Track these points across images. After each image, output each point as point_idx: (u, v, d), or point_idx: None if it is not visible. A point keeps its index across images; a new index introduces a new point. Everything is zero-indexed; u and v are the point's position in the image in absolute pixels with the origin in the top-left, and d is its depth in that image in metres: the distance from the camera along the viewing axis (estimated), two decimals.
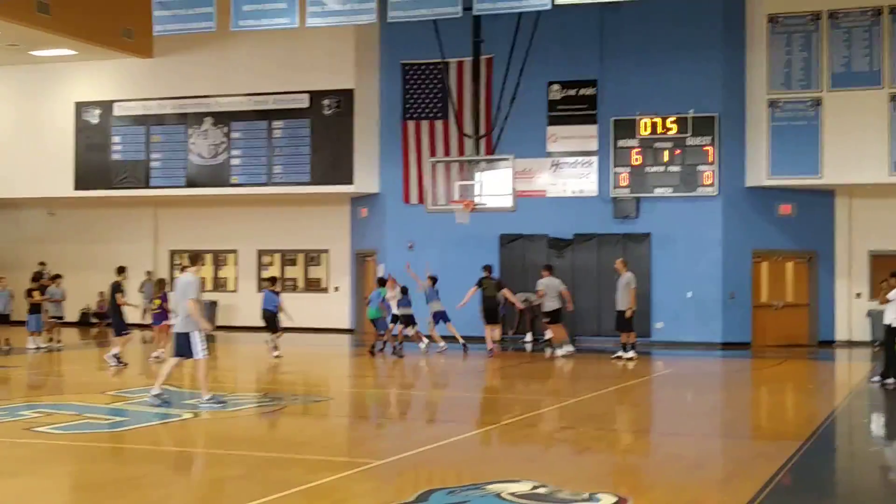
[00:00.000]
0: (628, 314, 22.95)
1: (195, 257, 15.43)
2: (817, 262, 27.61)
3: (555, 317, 24.02)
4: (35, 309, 24.35)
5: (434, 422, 14.70)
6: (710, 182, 26.59)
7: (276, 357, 22.50)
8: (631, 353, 22.85)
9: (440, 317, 24.56)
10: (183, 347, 14.63)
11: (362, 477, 9.97)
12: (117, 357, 20.54)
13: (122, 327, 21.11)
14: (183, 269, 15.70)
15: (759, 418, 15.94)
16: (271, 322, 23.19)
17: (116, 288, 21.44)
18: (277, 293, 23.55)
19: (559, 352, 23.62)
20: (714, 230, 26.83)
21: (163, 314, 21.76)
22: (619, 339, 23.40)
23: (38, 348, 24.03)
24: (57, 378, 20.23)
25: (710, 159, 26.60)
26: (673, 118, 26.77)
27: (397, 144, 28.98)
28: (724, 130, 26.62)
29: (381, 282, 24.36)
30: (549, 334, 24.58)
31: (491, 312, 24.51)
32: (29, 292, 24.60)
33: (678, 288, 26.86)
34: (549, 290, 23.94)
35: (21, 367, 21.20)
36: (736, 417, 15.51)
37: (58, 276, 26.48)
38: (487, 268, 24.92)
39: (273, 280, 24.33)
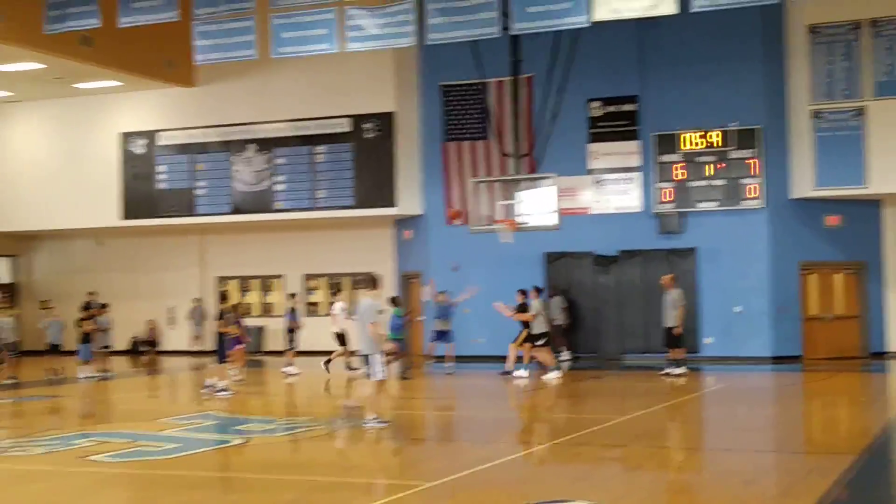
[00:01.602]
0: (677, 331, 22.81)
1: (374, 280, 15.62)
2: (866, 272, 27.31)
3: (541, 339, 22.94)
4: (86, 338, 24.62)
5: (483, 442, 14.68)
6: (754, 195, 26.41)
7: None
8: (681, 370, 22.69)
9: (442, 336, 24.75)
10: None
11: (413, 499, 9.97)
12: (221, 388, 20.07)
13: (224, 355, 20.81)
14: (349, 292, 16.12)
15: (813, 432, 15.77)
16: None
17: (221, 316, 21.25)
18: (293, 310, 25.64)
19: (549, 376, 22.43)
20: (760, 243, 26.63)
21: (237, 339, 21.98)
22: (666, 355, 23.24)
23: (89, 377, 24.25)
24: (109, 406, 20.40)
25: (754, 172, 26.42)
26: (715, 132, 26.64)
27: (439, 166, 29.05)
28: (768, 142, 26.45)
29: (395, 301, 24.31)
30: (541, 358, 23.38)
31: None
32: (80, 322, 24.89)
33: (726, 302, 26.66)
34: (537, 312, 23.18)
35: (73, 397, 21.40)
36: (789, 432, 15.37)
37: (105, 305, 26.74)
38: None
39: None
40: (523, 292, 23.53)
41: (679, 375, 22.42)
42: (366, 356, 15.17)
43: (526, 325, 23.07)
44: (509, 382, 22.11)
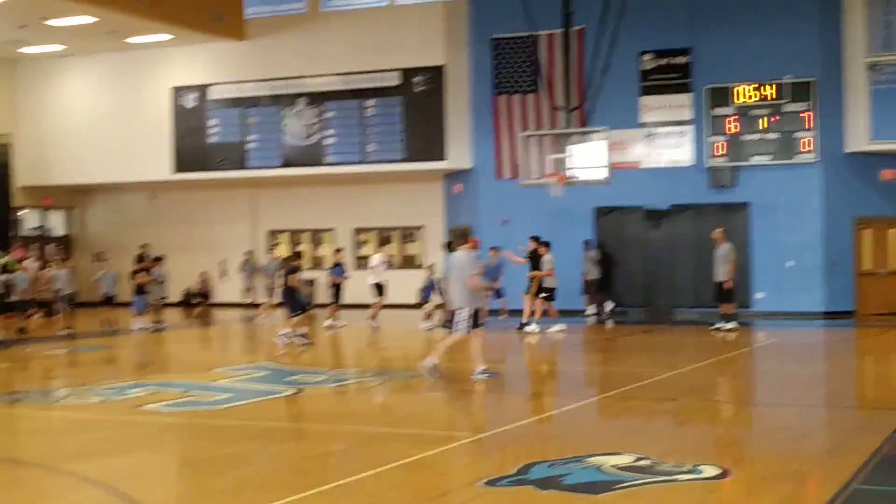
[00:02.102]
0: (728, 285, 22.67)
1: (466, 234, 15.30)
2: None
3: (545, 293, 22.94)
4: (140, 290, 24.92)
5: (533, 395, 14.72)
6: (808, 149, 26.09)
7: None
8: (731, 325, 22.57)
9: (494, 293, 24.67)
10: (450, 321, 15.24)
11: (464, 450, 10.04)
12: (301, 335, 20.40)
13: (297, 306, 20.70)
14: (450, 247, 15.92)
15: (865, 388, 15.65)
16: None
17: (292, 270, 21.20)
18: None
19: (554, 328, 22.65)
20: (814, 198, 26.34)
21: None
22: (717, 310, 23.13)
23: (142, 329, 24.56)
24: (162, 357, 20.67)
25: (809, 125, 26.08)
26: (769, 85, 26.29)
27: (489, 119, 28.94)
28: (823, 95, 26.07)
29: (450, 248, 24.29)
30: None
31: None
32: (134, 274, 25.18)
33: (778, 258, 26.45)
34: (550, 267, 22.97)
35: (127, 347, 21.71)
36: (840, 387, 15.27)
37: (160, 258, 27.03)
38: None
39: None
40: (536, 239, 23.19)
41: (730, 330, 22.30)
42: (453, 310, 14.95)
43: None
44: (544, 336, 22.02)
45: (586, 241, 27.31)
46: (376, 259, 25.69)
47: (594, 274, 27.23)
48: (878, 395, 14.60)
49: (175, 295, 31.73)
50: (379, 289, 25.08)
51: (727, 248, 22.86)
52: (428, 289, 24.20)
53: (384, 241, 32.57)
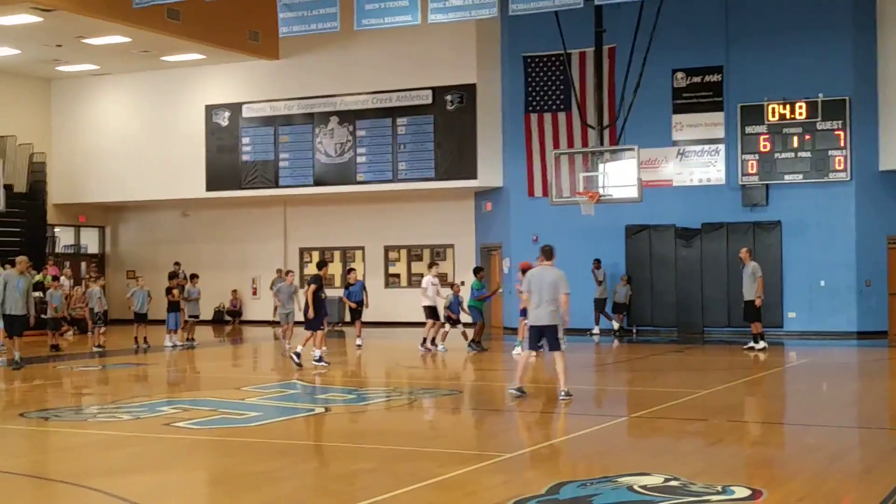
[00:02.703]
0: (758, 303, 22.52)
1: (552, 251, 15.04)
2: None
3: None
4: (174, 307, 25.05)
5: (564, 414, 14.65)
6: (841, 167, 25.92)
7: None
8: (762, 344, 22.40)
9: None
10: (550, 340, 14.68)
11: (492, 470, 10.00)
12: (319, 357, 19.77)
13: (316, 324, 19.79)
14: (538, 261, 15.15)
15: None
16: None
17: (315, 281, 20.00)
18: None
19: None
20: (847, 216, 26.15)
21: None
22: (749, 329, 22.94)
23: (174, 346, 24.66)
24: (193, 375, 20.73)
25: (842, 144, 25.92)
26: (802, 103, 26.17)
27: (521, 138, 28.95)
28: (856, 113, 25.91)
29: (477, 272, 24.28)
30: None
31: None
32: (168, 291, 25.32)
33: (811, 277, 26.27)
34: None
35: (159, 365, 21.79)
36: (874, 408, 15.10)
37: (195, 276, 27.13)
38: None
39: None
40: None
41: (762, 350, 22.13)
42: (553, 327, 14.52)
43: None
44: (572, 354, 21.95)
45: (595, 260, 27.37)
46: (426, 281, 24.17)
47: (600, 293, 27.43)
48: None
49: (207, 312, 31.84)
50: (431, 312, 23.60)
51: (754, 267, 22.71)
52: (454, 306, 23.80)
53: (414, 258, 32.59)
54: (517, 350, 21.48)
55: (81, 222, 35.79)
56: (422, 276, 31.91)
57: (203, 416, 13.51)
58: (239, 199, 33.13)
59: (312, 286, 19.82)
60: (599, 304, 27.60)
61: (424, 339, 23.33)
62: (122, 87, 34.09)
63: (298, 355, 19.76)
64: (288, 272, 25.70)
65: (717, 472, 9.82)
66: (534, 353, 15.28)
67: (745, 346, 22.57)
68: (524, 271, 22.08)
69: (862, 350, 23.82)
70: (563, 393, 14.48)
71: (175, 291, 25.24)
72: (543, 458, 10.71)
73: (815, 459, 10.51)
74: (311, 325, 19.86)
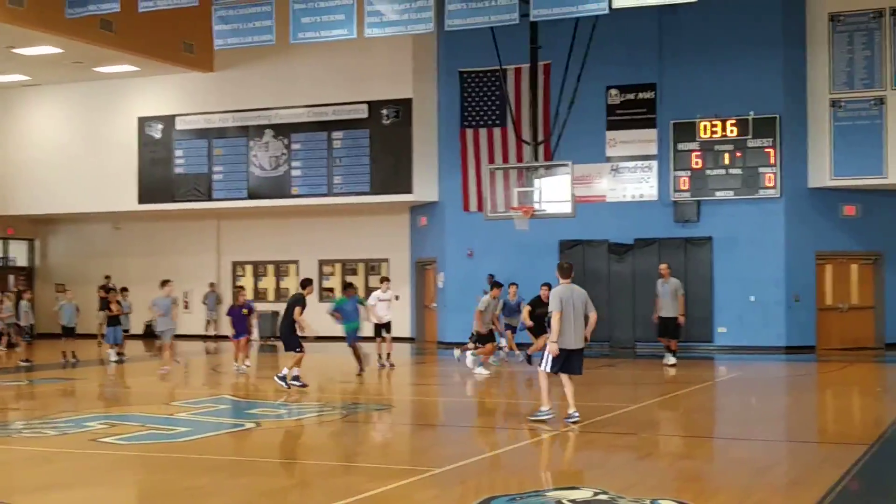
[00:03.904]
0: (681, 321, 22.71)
1: (571, 267, 14.30)
2: (883, 262, 27.18)
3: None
4: (113, 321, 24.74)
5: (494, 429, 14.68)
6: (771, 184, 26.30)
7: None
8: (674, 360, 22.55)
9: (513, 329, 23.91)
10: (578, 364, 13.94)
11: (424, 485, 9.98)
12: (295, 378, 18.35)
13: (294, 343, 18.59)
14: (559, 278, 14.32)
15: (825, 422, 15.72)
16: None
17: (298, 301, 18.78)
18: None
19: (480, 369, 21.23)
20: (777, 233, 26.52)
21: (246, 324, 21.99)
22: (663, 344, 22.97)
23: (116, 361, 24.35)
24: (122, 390, 20.47)
25: (772, 161, 26.30)
26: (733, 120, 26.53)
27: (456, 152, 29.01)
28: (786, 131, 26.32)
29: (347, 286, 23.25)
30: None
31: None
32: (107, 304, 24.97)
33: (741, 292, 26.59)
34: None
35: (87, 379, 21.47)
36: (801, 422, 15.32)
37: (124, 290, 26.84)
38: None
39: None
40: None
41: (672, 365, 22.26)
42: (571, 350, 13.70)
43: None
44: (522, 369, 22.01)
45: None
46: (372, 298, 22.77)
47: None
48: (838, 430, 14.65)
49: (137, 327, 31.47)
50: (378, 329, 22.60)
51: (676, 284, 22.88)
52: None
53: (349, 272, 32.51)
54: (479, 368, 21.08)
55: (9, 234, 35.23)
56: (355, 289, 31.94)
57: (131, 431, 13.34)
58: (172, 212, 32.82)
59: (298, 308, 18.51)
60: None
61: (380, 356, 22.68)
62: (54, 99, 33.64)
63: (297, 378, 18.39)
64: (165, 281, 22.71)
65: (646, 485, 9.89)
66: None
67: (666, 362, 22.56)
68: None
69: (790, 364, 24.15)
70: (576, 415, 13.68)
71: (114, 305, 24.90)
72: (475, 472, 10.72)
73: (743, 473, 10.63)
74: (293, 344, 18.63)
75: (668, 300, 22.73)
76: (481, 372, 20.98)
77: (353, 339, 21.58)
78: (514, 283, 23.65)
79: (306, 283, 19.52)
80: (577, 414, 13.66)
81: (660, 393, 17.66)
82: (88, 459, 11.53)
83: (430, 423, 14.61)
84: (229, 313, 22.81)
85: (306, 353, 18.72)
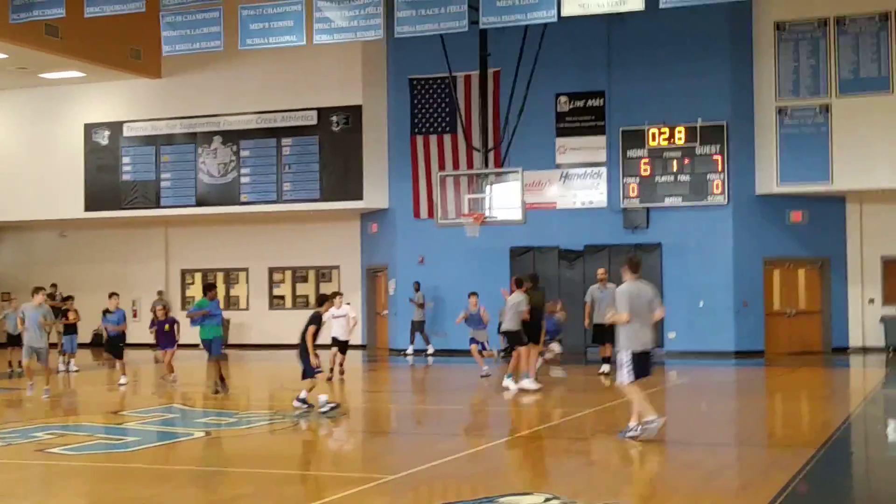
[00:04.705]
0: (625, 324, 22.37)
1: (638, 263, 13.30)
2: (829, 268, 27.50)
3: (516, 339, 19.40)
4: (70, 330, 24.40)
5: (446, 435, 14.66)
6: (719, 191, 26.53)
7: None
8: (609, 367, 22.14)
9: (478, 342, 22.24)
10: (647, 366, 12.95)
11: (375, 492, 9.94)
12: (305, 401, 15.96)
13: (308, 372, 15.99)
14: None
15: (774, 426, 15.86)
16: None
17: (312, 320, 16.16)
18: None
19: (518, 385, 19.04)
20: (725, 239, 26.76)
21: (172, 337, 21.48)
22: (600, 351, 22.39)
23: (68, 371, 24.00)
24: (70, 400, 20.20)
25: (720, 168, 26.54)
26: (681, 127, 26.73)
27: (406, 159, 28.99)
28: (733, 139, 26.57)
29: (209, 288, 20.66)
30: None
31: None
32: (64, 313, 24.62)
33: (690, 297, 26.78)
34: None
35: (33, 390, 21.14)
36: (750, 426, 15.45)
37: (70, 298, 26.49)
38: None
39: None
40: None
41: (608, 374, 21.54)
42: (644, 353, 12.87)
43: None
44: (478, 377, 21.86)
45: (415, 283, 28.11)
46: (326, 315, 17.87)
47: (419, 315, 27.90)
48: (786, 434, 14.79)
49: (85, 335, 31.08)
50: (338, 345, 21.13)
51: (614, 290, 22.39)
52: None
53: (299, 280, 32.37)
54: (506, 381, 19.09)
55: None
56: (306, 296, 31.82)
57: (79, 441, 13.19)
58: (119, 220, 32.49)
59: (311, 328, 15.97)
60: (417, 326, 27.87)
61: (332, 369, 21.03)
62: None
63: (304, 401, 16.01)
64: (38, 289, 20.12)
65: (598, 490, 9.92)
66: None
67: (606, 372, 21.58)
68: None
69: (739, 369, 24.35)
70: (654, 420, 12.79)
71: (72, 314, 24.55)
72: (426, 479, 10.69)
73: (693, 477, 10.70)
74: (307, 371, 16.05)
75: (604, 306, 21.77)
76: (530, 385, 18.84)
77: (218, 350, 19.32)
78: (474, 293, 22.26)
79: (323, 299, 17.24)
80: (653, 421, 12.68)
81: (611, 398, 17.71)
82: (34, 470, 11.38)
83: (382, 430, 14.56)
84: (152, 326, 22.06)
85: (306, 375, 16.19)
